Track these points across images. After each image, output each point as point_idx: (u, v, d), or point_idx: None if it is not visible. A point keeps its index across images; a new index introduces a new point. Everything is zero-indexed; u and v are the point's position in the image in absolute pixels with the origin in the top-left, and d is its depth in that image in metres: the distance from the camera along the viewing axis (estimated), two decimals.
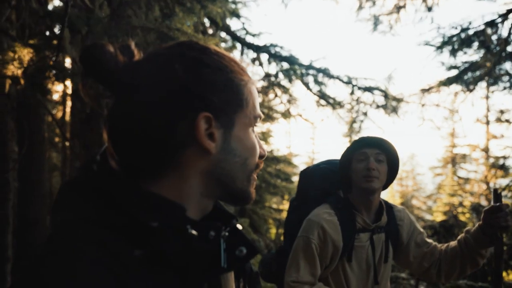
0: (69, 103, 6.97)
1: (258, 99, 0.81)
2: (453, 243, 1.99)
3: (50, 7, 3.91)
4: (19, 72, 2.62)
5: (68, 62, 4.00)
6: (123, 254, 0.63)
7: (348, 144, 2.16)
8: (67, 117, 7.14)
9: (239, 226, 0.81)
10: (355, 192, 1.98)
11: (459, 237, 1.97)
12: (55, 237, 0.65)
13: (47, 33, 3.40)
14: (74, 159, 5.65)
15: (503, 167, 7.03)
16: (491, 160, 14.65)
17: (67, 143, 6.64)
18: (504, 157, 8.17)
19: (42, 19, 3.13)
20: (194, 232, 0.68)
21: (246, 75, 0.80)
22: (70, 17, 2.45)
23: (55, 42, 2.82)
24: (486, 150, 16.42)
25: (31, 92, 3.19)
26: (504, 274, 5.51)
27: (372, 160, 1.89)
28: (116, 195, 0.68)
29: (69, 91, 6.26)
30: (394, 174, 2.00)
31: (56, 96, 7.12)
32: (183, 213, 0.71)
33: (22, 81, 2.69)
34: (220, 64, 0.76)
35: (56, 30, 3.21)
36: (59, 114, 7.59)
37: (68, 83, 4.53)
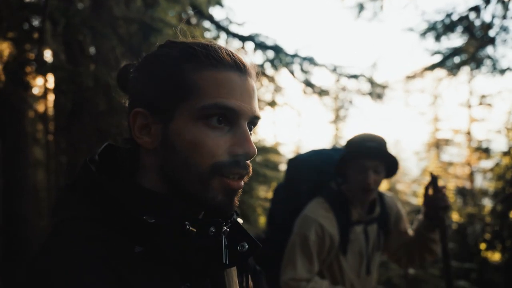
0: (50, 97, 6.79)
1: (229, 87, 0.69)
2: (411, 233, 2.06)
3: None
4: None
5: (49, 55, 3.90)
6: (123, 250, 0.63)
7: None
8: (50, 112, 6.97)
9: (240, 221, 0.80)
10: (350, 187, 1.97)
11: (413, 227, 2.05)
12: (56, 234, 0.65)
13: (26, 25, 3.29)
14: (59, 155, 5.55)
15: (486, 150, 7.17)
16: (474, 144, 14.90)
17: (50, 138, 6.51)
18: (488, 140, 8.33)
19: (19, 10, 3.01)
20: (192, 228, 0.68)
21: (213, 60, 0.70)
22: (50, 9, 2.37)
23: (36, 35, 2.73)
24: (468, 133, 16.69)
25: (12, 87, 3.09)
26: (489, 254, 5.65)
27: (371, 174, 1.86)
28: (114, 193, 0.67)
29: (51, 85, 6.09)
30: (391, 175, 1.98)
31: (36, 91, 6.94)
32: (181, 210, 0.70)
33: (2, 77, 2.61)
34: (166, 54, 0.72)
35: (36, 22, 3.10)
36: (41, 108, 7.42)
37: (50, 76, 4.41)
